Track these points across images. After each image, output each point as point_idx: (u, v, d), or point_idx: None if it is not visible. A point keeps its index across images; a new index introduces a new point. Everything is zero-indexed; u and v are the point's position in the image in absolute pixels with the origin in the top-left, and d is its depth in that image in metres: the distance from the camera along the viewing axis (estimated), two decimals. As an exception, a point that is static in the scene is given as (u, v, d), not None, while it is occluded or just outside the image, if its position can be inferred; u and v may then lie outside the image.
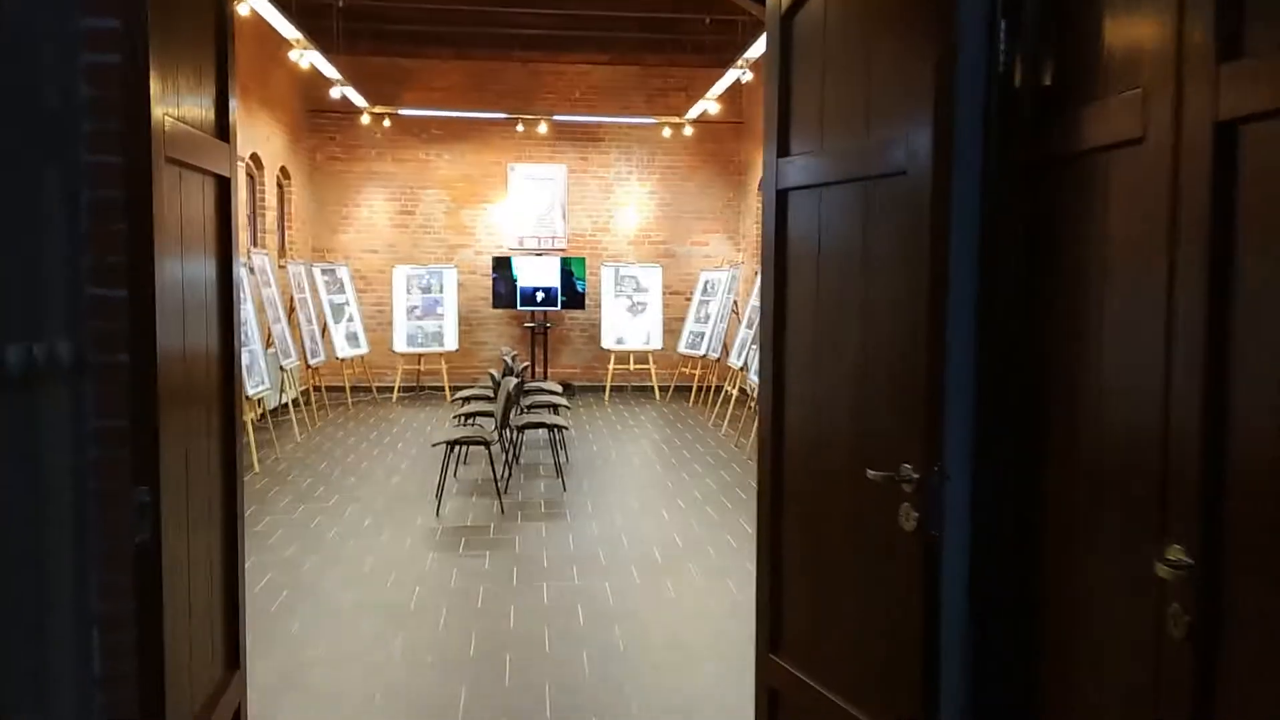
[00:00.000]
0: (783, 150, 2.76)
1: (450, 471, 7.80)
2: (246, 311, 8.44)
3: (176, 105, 2.18)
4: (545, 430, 7.76)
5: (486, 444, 6.77)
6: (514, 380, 6.90)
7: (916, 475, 2.15)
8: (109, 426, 1.86)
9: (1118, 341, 1.77)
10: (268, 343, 9.55)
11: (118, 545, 1.88)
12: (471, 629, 4.64)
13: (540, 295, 12.53)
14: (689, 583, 5.34)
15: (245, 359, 8.10)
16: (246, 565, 5.08)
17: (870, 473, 2.27)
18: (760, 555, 2.89)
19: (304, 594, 5.12)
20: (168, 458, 2.08)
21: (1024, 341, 2.13)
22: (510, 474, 7.81)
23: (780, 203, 2.77)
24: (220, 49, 2.60)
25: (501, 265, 12.55)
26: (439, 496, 6.98)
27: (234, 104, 2.66)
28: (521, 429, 7.50)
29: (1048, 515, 2.04)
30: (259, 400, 8.54)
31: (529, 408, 8.40)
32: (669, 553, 5.85)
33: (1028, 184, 2.11)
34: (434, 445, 6.76)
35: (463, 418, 8.36)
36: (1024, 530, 2.13)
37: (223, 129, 2.58)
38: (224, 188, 2.58)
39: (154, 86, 1.95)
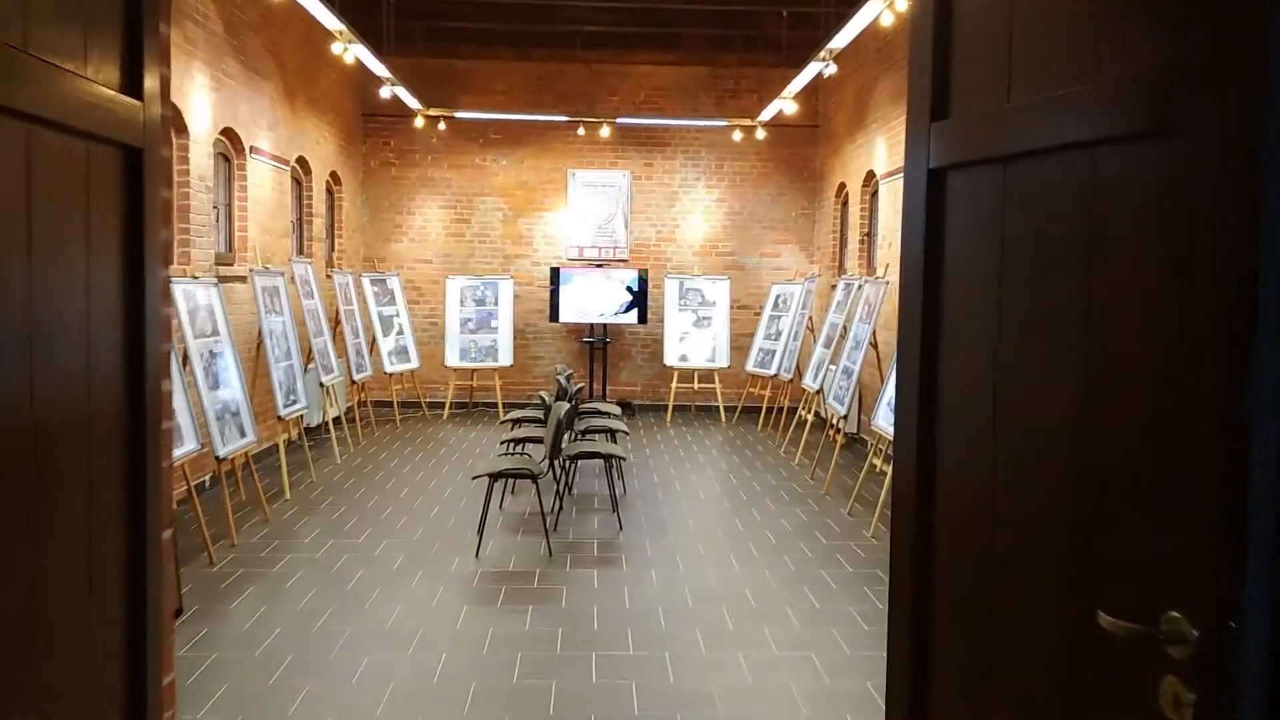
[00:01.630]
0: (938, 111, 1.92)
1: (496, 502, 7.07)
2: (282, 324, 7.81)
3: (22, 27, 1.43)
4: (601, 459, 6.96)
5: (534, 477, 6.00)
6: (565, 406, 6.13)
7: (1196, 633, 1.28)
8: None
9: None
10: (308, 358, 8.93)
11: None
12: (503, 716, 3.84)
13: (600, 309, 11.77)
14: (766, 658, 4.48)
15: (279, 375, 7.47)
16: (255, 616, 4.35)
17: (1104, 618, 1.41)
18: (892, 697, 2.03)
19: (313, 660, 4.37)
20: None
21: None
22: (561, 507, 7.02)
23: (934, 188, 1.93)
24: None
25: (560, 277, 11.82)
26: (480, 534, 6.22)
27: (155, 47, 1.90)
28: (574, 458, 6.72)
29: None
30: (294, 420, 7.90)
31: (584, 433, 7.62)
32: (741, 615, 4.99)
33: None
34: (474, 479, 6.02)
35: (510, 444, 7.60)
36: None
37: (134, 80, 1.82)
38: (134, 164, 1.82)
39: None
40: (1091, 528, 1.49)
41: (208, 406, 6.11)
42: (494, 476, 6.03)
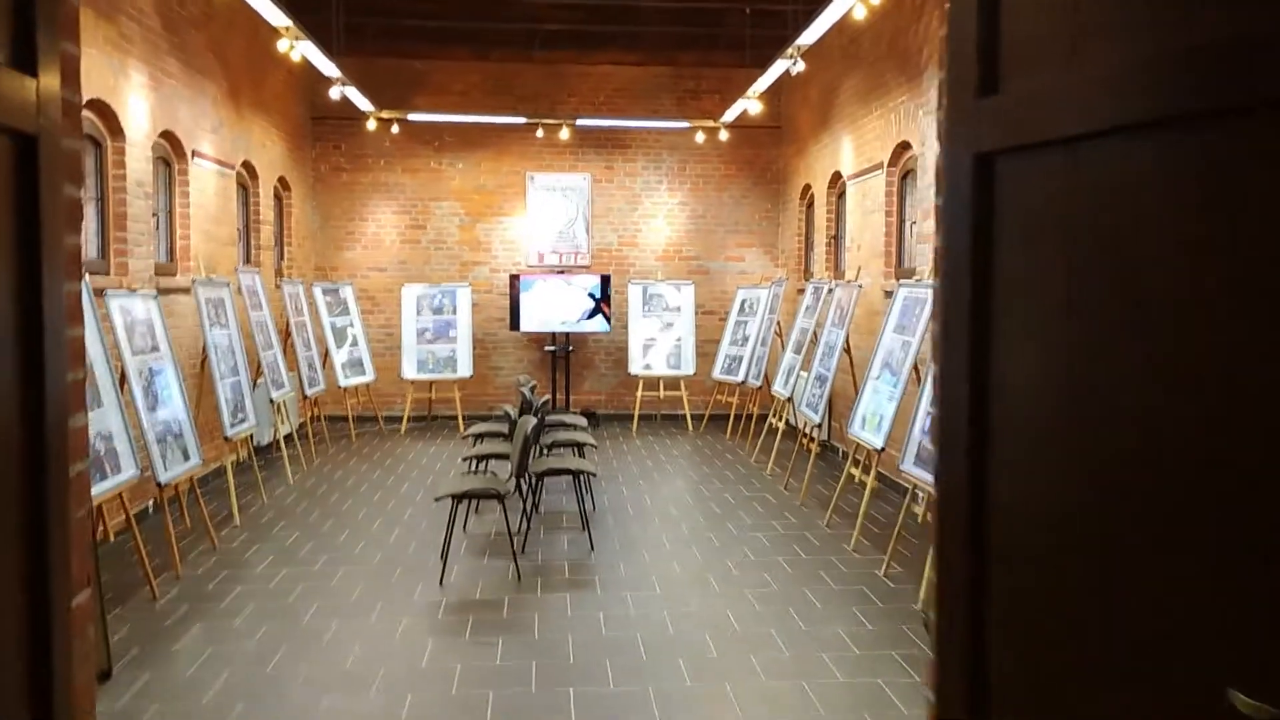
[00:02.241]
0: (986, 84, 1.64)
1: (459, 523, 6.71)
2: (228, 338, 7.39)
3: None
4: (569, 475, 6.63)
5: (500, 497, 5.66)
6: (532, 421, 5.80)
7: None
8: None
9: None
10: (257, 373, 8.50)
11: None
12: (476, 765, 3.52)
13: (562, 316, 11.44)
14: (756, 689, 4.19)
15: (226, 392, 7.05)
16: (201, 658, 3.97)
17: (1239, 699, 1.14)
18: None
19: (265, 708, 4.00)
20: None
21: None
22: (529, 526, 6.69)
23: (981, 176, 1.65)
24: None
25: (520, 284, 11.47)
26: (444, 559, 5.87)
27: (55, 11, 1.55)
28: (542, 475, 6.40)
29: None
30: (242, 440, 7.47)
31: (550, 447, 7.30)
32: (725, 642, 4.70)
33: None
34: (437, 500, 5.68)
35: (473, 461, 7.25)
36: None
37: (24, 51, 1.48)
38: (27, 154, 1.48)
39: None
40: (1223, 579, 1.21)
41: (147, 429, 5.69)
42: (458, 498, 5.68)
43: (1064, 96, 1.49)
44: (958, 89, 1.72)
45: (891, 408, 6.23)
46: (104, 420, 5.16)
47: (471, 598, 5.37)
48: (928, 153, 7.39)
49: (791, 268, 11.57)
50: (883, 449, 6.19)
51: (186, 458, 6.15)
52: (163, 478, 5.71)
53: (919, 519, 5.52)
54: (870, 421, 6.45)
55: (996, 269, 1.69)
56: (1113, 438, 1.39)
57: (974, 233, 1.69)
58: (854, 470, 6.78)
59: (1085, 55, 1.47)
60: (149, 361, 5.97)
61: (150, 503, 6.79)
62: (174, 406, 6.15)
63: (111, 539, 5.37)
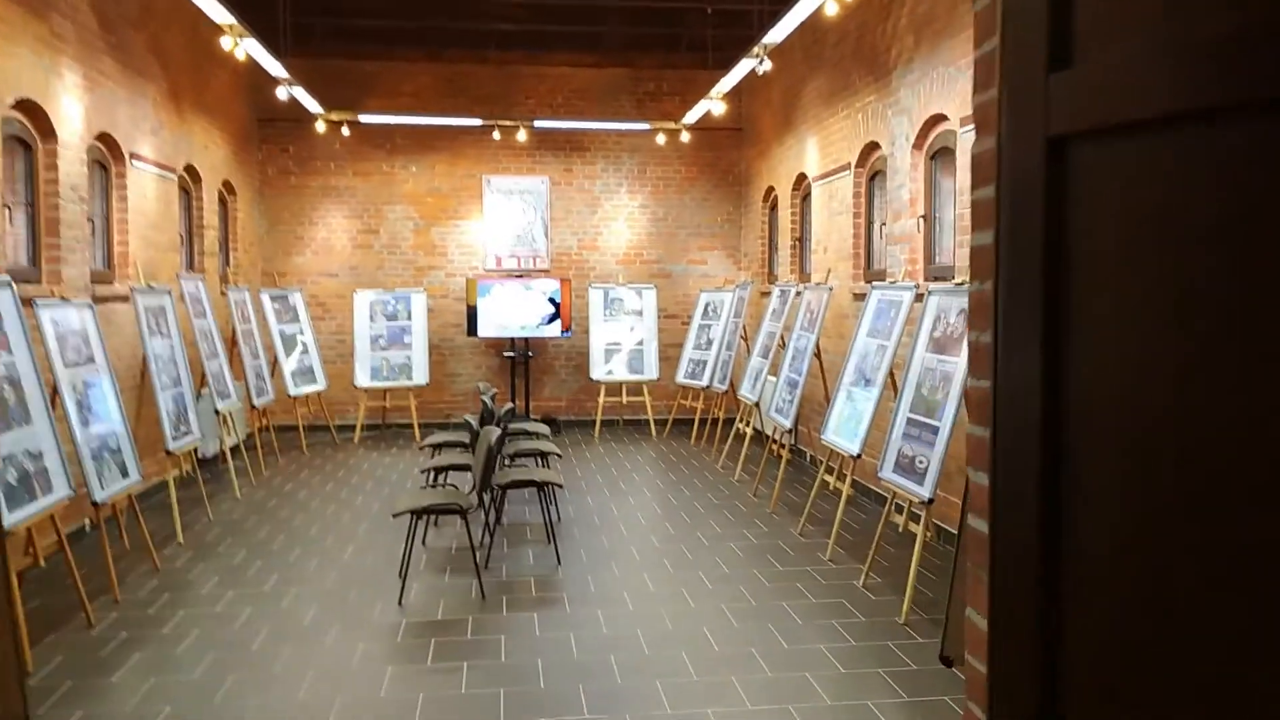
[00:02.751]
0: (1058, 56, 1.42)
1: (419, 537, 6.42)
2: (169, 347, 7.01)
3: None
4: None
5: (462, 512, 5.38)
6: (496, 432, 5.53)
7: None
8: None
9: None
10: (201, 383, 8.11)
11: None
12: (443, 808, 3.25)
13: (521, 321, 11.16)
14: (740, 714, 3.96)
15: (168, 404, 6.68)
16: (141, 691, 3.66)
17: None
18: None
19: (210, 745, 3.69)
20: None
21: None
22: (492, 540, 6.41)
23: (1054, 163, 1.43)
24: None
25: (478, 289, 11.17)
26: (403, 577, 5.57)
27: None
28: (505, 488, 6.12)
29: None
30: (185, 453, 7.10)
31: (513, 456, 7.02)
32: (704, 662, 4.47)
33: None
34: (395, 516, 5.38)
35: (431, 472, 6.95)
36: None
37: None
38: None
39: None
40: None
41: (81, 445, 5.33)
42: (417, 513, 5.39)
43: (1158, 68, 1.28)
44: (1021, 63, 1.51)
45: (867, 414, 6.06)
46: (33, 438, 4.79)
47: (433, 618, 5.08)
48: (897, 153, 7.25)
49: (755, 271, 11.40)
50: (859, 455, 6.01)
51: (125, 474, 5.78)
52: (99, 496, 5.34)
53: (899, 528, 5.35)
54: (845, 427, 6.27)
55: (1074, 267, 1.47)
56: (1232, 462, 1.17)
57: (1046, 227, 1.48)
58: (828, 477, 6.60)
59: (1183, 19, 1.26)
60: (83, 374, 5.60)
61: (85, 521, 6.40)
62: (111, 420, 5.78)
63: (42, 563, 5.00)
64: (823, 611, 5.13)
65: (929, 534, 5.48)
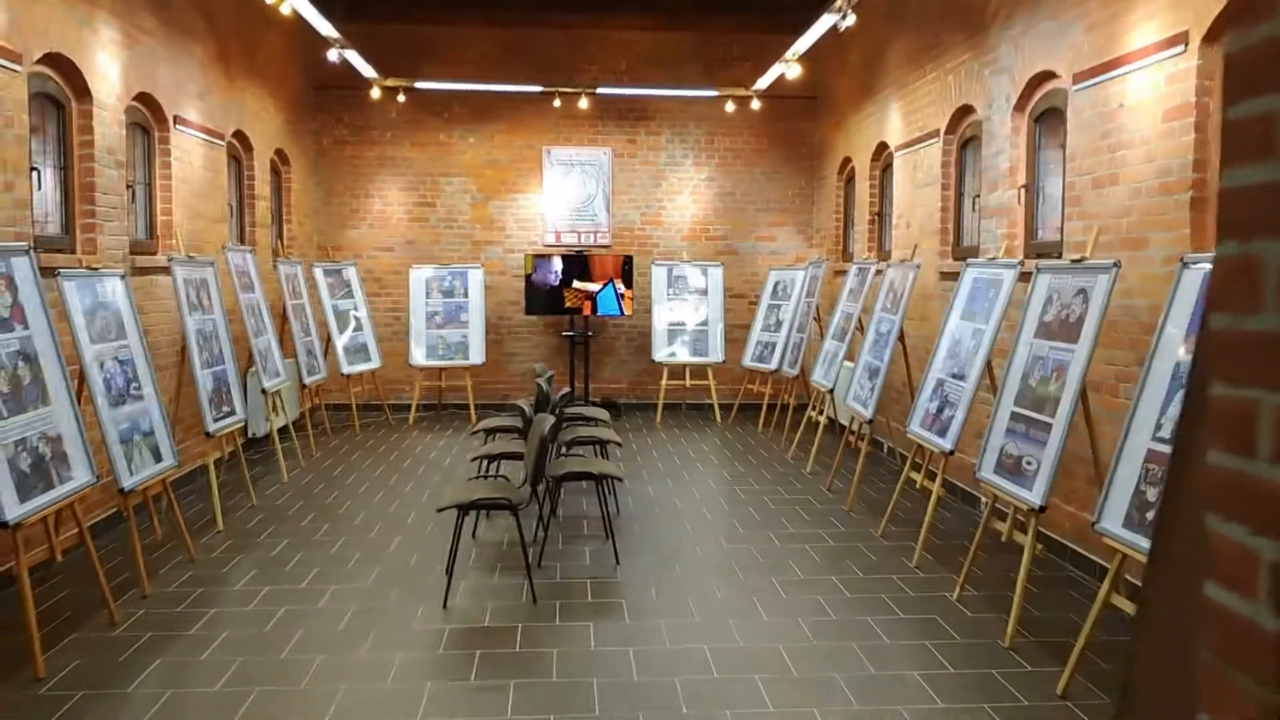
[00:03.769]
0: None
1: (469, 531, 5.99)
2: (212, 323, 6.65)
3: None
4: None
5: (513, 508, 4.91)
6: (549, 420, 5.03)
7: None
8: None
9: None
10: (248, 361, 7.78)
11: None
12: None
13: (582, 300, 10.66)
14: (825, 758, 3.42)
15: (208, 384, 6.33)
16: (157, 706, 3.28)
17: None
18: None
19: (223, 775, 3.27)
20: None
21: None
22: (546, 535, 5.94)
23: None
24: None
25: (536, 265, 10.70)
26: (449, 575, 5.13)
27: None
28: (560, 480, 5.64)
29: None
30: (228, 435, 6.75)
31: (569, 444, 6.54)
32: (780, 688, 3.93)
33: None
34: (440, 510, 4.93)
35: (483, 461, 6.50)
36: None
37: None
38: None
39: None
40: None
41: (108, 428, 4.96)
42: (464, 508, 4.93)
43: None
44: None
45: (962, 407, 5.43)
46: (50, 420, 4.42)
47: (479, 624, 4.62)
48: (994, 116, 6.56)
49: (828, 248, 10.74)
50: (951, 452, 5.40)
51: (159, 458, 5.42)
52: (126, 483, 4.98)
53: (1002, 537, 4.74)
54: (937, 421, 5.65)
55: None
56: None
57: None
58: (914, 474, 5.99)
59: None
60: (113, 351, 5.23)
61: (113, 510, 6.08)
62: (144, 402, 5.42)
63: (59, 557, 4.66)
64: (913, 629, 4.55)
65: (1039, 547, 4.85)
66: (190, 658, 4.21)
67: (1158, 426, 3.70)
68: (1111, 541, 3.78)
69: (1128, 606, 3.78)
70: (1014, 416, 4.78)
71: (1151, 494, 3.62)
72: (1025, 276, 5.50)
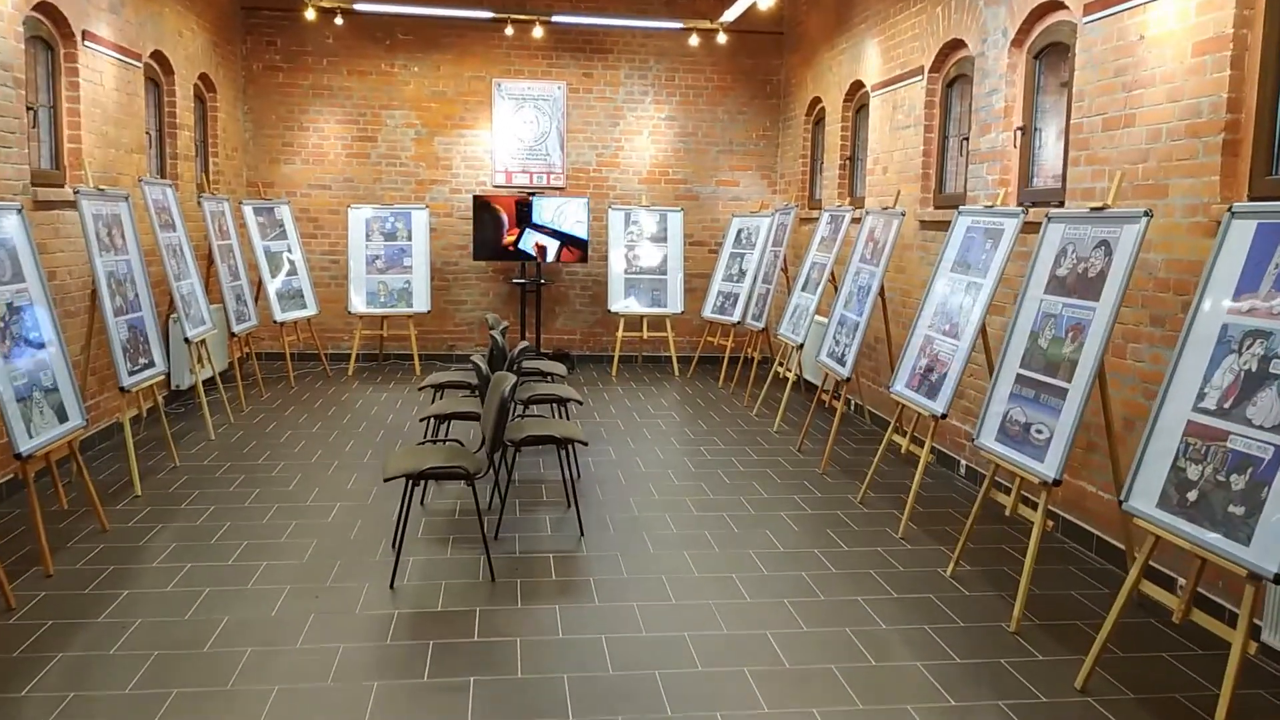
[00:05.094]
0: None
1: (418, 499, 5.47)
2: (126, 265, 5.96)
3: None
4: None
5: (469, 477, 4.39)
6: (510, 380, 4.50)
7: None
8: None
9: None
10: (169, 307, 7.09)
11: None
12: None
13: (533, 245, 10.06)
14: (835, 773, 3.02)
15: (122, 333, 5.67)
16: (57, 710, 2.55)
17: None
18: None
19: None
20: None
21: None
22: (504, 504, 5.45)
23: None
24: None
25: (484, 207, 10.05)
26: (397, 550, 4.62)
27: None
28: (519, 444, 5.13)
29: None
30: (145, 390, 6.10)
31: (527, 403, 6.02)
32: (775, 684, 3.51)
33: None
34: (387, 480, 4.40)
35: (432, 421, 5.95)
36: None
37: None
38: None
39: None
40: None
41: (1, 384, 4.31)
42: (415, 478, 4.40)
43: None
44: None
45: (955, 367, 5.03)
46: (-76, 377, 3.77)
47: (432, 608, 4.13)
48: (988, 52, 6.09)
49: (794, 194, 10.26)
50: (944, 415, 5.00)
51: (64, 418, 4.79)
52: (23, 447, 4.35)
53: (1007, 510, 4.37)
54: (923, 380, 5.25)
55: None
56: None
57: None
58: (898, 438, 5.60)
59: None
60: (7, 296, 4.56)
61: (8, 478, 5.42)
62: (44, 353, 4.76)
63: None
64: (909, 611, 4.17)
65: (1051, 524, 4.49)
66: (97, 651, 3.66)
67: (1200, 396, 3.30)
68: (1143, 523, 3.40)
69: (1164, 597, 3.42)
70: (1020, 379, 4.38)
71: (1193, 471, 3.24)
72: (1029, 226, 5.08)
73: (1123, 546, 4.40)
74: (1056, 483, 3.95)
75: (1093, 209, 4.22)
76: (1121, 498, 3.52)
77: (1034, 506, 4.19)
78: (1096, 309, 4.01)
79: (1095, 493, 4.85)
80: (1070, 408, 3.99)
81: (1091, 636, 3.88)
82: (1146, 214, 3.91)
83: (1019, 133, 5.86)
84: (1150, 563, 3.67)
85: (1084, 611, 4.19)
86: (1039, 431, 4.15)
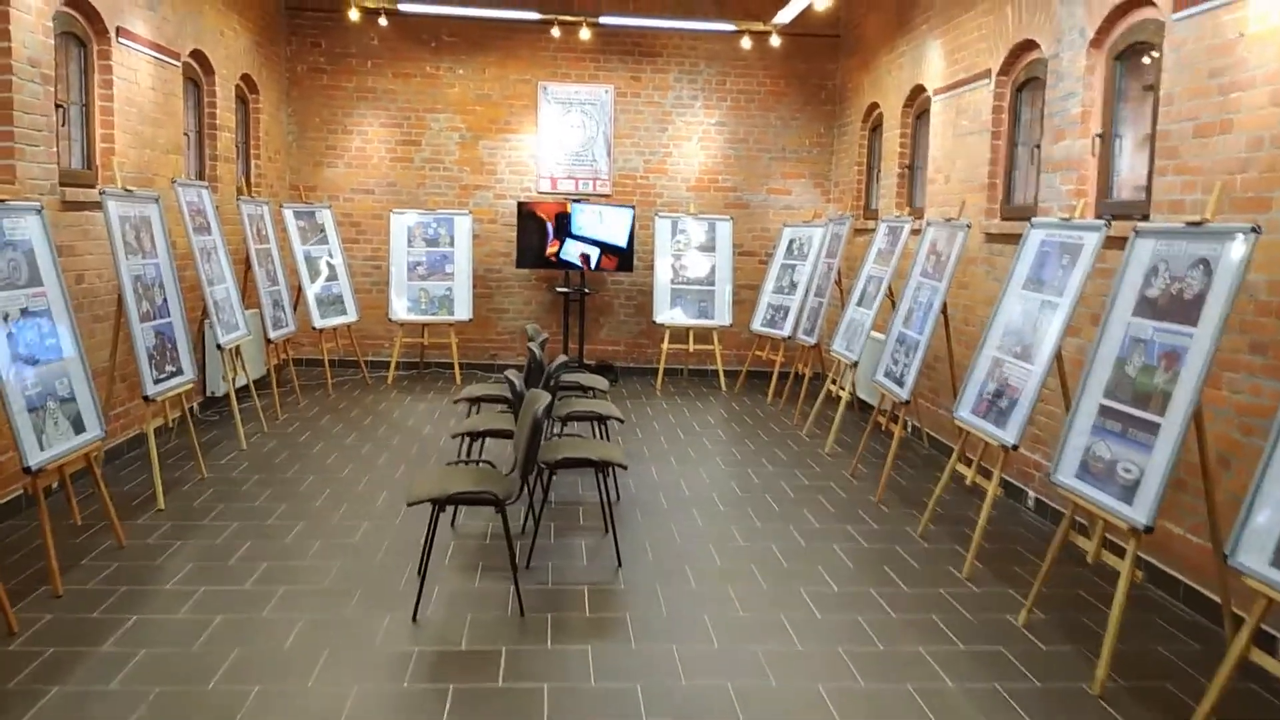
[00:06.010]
0: None
1: (446, 522, 5.19)
2: (154, 269, 5.77)
3: None
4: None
5: (498, 503, 4.09)
6: (545, 398, 4.20)
7: None
8: None
9: None
10: (203, 313, 6.90)
11: None
12: None
13: (578, 253, 9.77)
14: None
15: (149, 339, 5.47)
16: None
17: None
18: None
19: None
20: None
21: None
22: (536, 528, 5.14)
23: None
24: None
25: (528, 214, 9.79)
26: (421, 578, 4.33)
27: None
28: (554, 467, 4.82)
29: None
30: (172, 399, 5.89)
31: (565, 419, 5.70)
32: (829, 752, 3.15)
33: None
34: (411, 505, 4.11)
35: (464, 438, 5.66)
36: None
37: None
38: None
39: None
40: None
41: (12, 394, 4.10)
42: (441, 504, 4.10)
43: None
44: None
45: (1028, 394, 4.62)
46: (-76, 388, 3.56)
47: (455, 645, 3.83)
48: (1064, 53, 5.67)
49: (848, 203, 9.85)
50: (1015, 446, 4.60)
51: (79, 429, 4.57)
52: (33, 461, 4.13)
53: (1089, 557, 3.96)
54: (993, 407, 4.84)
55: None
56: None
57: None
58: (963, 468, 5.19)
59: None
60: (20, 300, 4.35)
61: (19, 492, 5.22)
62: (62, 361, 4.55)
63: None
64: (978, 666, 3.77)
65: (1139, 574, 4.06)
66: (96, 686, 3.40)
67: (1324, 440, 2.89)
68: (1253, 581, 2.99)
69: (1275, 667, 3.00)
70: (1104, 411, 3.97)
71: (1316, 526, 2.82)
72: (1111, 241, 4.66)
73: (1217, 599, 3.97)
74: (1149, 529, 3.54)
75: (1189, 223, 3.81)
76: (1227, 551, 3.10)
77: (1120, 554, 3.78)
78: (1194, 335, 3.59)
79: (1184, 535, 4.41)
80: (1164, 446, 3.57)
81: (1185, 702, 3.46)
82: (1255, 229, 3.49)
83: (1098, 140, 5.44)
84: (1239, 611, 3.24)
85: (1174, 671, 3.76)
86: (1126, 470, 3.74)
